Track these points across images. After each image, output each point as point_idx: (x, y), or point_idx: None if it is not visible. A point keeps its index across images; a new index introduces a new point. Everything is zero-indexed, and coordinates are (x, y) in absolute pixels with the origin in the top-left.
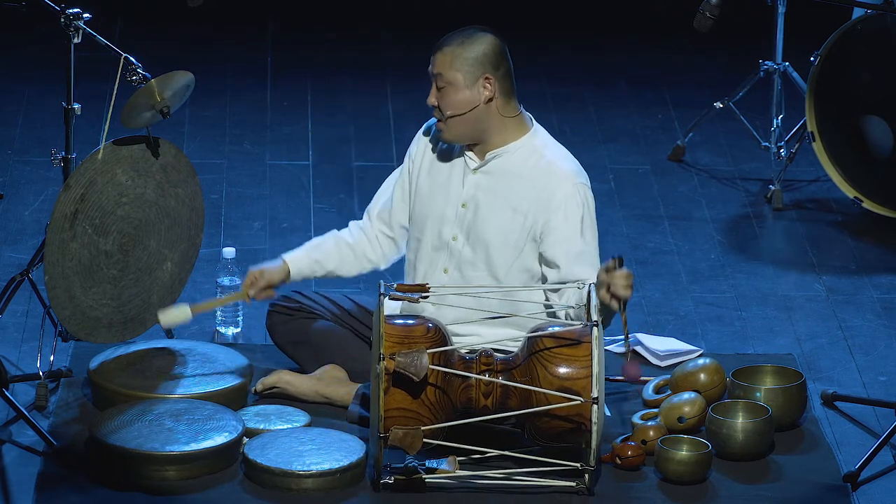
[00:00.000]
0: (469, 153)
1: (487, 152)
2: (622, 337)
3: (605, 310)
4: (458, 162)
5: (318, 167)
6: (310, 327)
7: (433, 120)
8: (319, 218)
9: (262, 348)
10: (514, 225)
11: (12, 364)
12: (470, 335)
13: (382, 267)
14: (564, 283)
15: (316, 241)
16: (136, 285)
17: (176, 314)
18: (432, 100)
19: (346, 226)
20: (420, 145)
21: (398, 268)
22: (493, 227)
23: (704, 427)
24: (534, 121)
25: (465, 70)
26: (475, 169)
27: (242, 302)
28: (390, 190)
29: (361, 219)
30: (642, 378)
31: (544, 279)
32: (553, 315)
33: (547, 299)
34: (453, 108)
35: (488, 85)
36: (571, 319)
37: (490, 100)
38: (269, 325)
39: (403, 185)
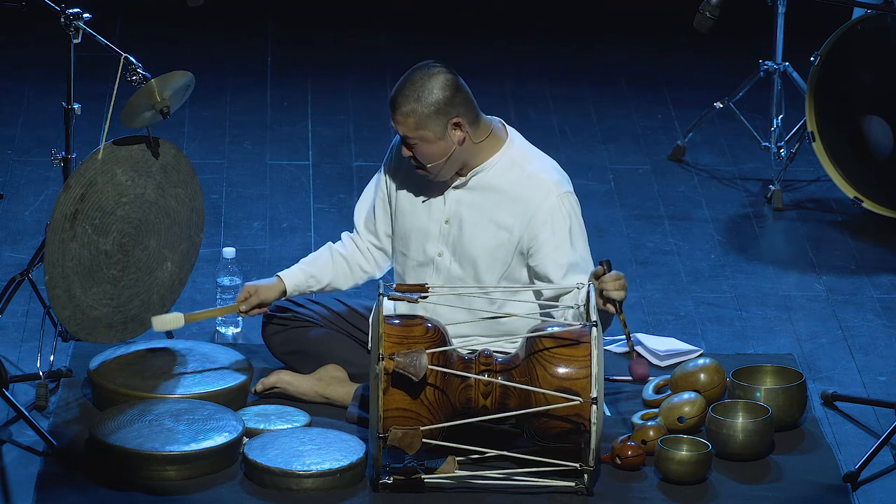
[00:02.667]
0: None
1: (468, 172)
2: (623, 337)
3: (604, 315)
4: (427, 179)
5: (318, 167)
6: (306, 336)
7: None
8: (319, 218)
9: (262, 348)
10: (499, 240)
11: (12, 364)
12: (469, 339)
13: (377, 276)
14: (561, 292)
15: (311, 256)
16: (136, 285)
17: (169, 320)
18: (407, 153)
19: (344, 230)
20: (394, 160)
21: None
22: (478, 243)
23: (704, 427)
24: (507, 128)
25: (430, 126)
26: (456, 185)
27: None
28: (371, 201)
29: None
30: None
31: (539, 293)
32: (551, 317)
33: (545, 309)
34: (431, 160)
35: (458, 128)
36: (570, 320)
37: (464, 140)
38: (264, 337)
39: (382, 196)
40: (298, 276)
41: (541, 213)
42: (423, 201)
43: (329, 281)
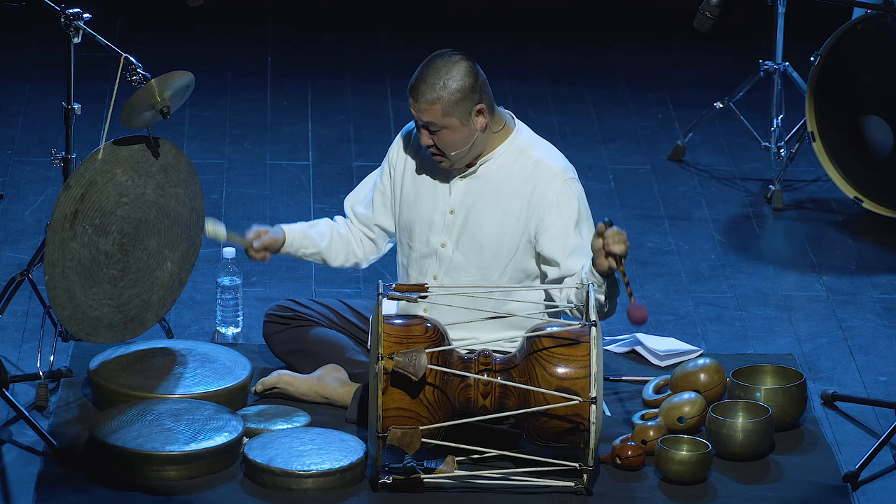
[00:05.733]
0: None
1: (476, 161)
2: (622, 337)
3: (610, 283)
4: (442, 168)
5: (318, 167)
6: (306, 335)
7: (412, 125)
8: (319, 218)
9: (262, 348)
10: (506, 227)
11: (12, 364)
12: (468, 338)
13: (363, 265)
14: (564, 279)
15: (311, 221)
16: (137, 285)
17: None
18: (427, 141)
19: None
20: (400, 151)
21: (396, 268)
22: (485, 231)
23: (704, 427)
24: (515, 119)
25: (457, 112)
26: (463, 175)
27: (242, 303)
28: (370, 192)
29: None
30: (641, 378)
31: (544, 277)
32: (555, 314)
33: (549, 297)
34: (456, 148)
35: (481, 115)
36: (573, 313)
37: (485, 126)
38: (265, 335)
39: (384, 190)
40: (298, 235)
41: (547, 198)
42: (427, 192)
43: (322, 248)
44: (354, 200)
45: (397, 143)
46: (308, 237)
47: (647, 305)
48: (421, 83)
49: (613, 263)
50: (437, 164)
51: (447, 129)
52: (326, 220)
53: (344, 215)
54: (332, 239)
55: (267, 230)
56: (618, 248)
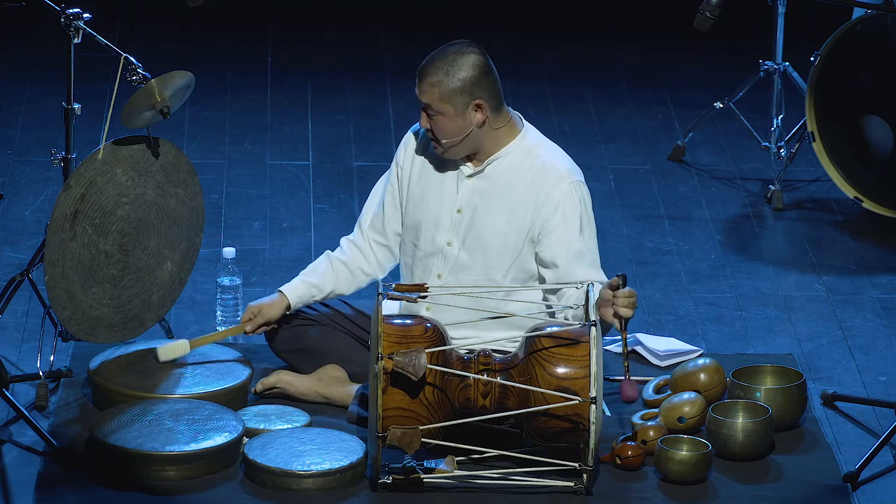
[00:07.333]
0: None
1: (484, 159)
2: (621, 337)
3: (605, 326)
4: (450, 167)
5: (318, 167)
6: (307, 334)
7: (417, 125)
8: (319, 218)
9: (261, 348)
10: (511, 227)
11: (12, 364)
12: (468, 338)
13: (380, 276)
14: (563, 284)
15: (310, 266)
16: (137, 285)
17: (175, 348)
18: (425, 124)
19: (344, 231)
20: (408, 151)
21: (396, 268)
22: (490, 230)
23: (704, 427)
24: (523, 120)
25: (454, 100)
26: (470, 175)
27: (242, 303)
28: (380, 198)
29: (353, 230)
30: (640, 378)
31: (541, 279)
32: (553, 316)
33: (545, 300)
34: (448, 136)
35: (479, 110)
36: (570, 320)
37: (483, 122)
38: (266, 335)
39: (393, 192)
40: (301, 289)
41: (552, 199)
42: (434, 191)
43: (332, 288)
44: (366, 213)
45: (404, 144)
46: (313, 287)
47: (637, 385)
48: (429, 64)
49: (618, 325)
50: (434, 149)
51: (442, 115)
52: (326, 254)
53: (351, 231)
54: (337, 274)
55: (260, 307)
56: (624, 312)
